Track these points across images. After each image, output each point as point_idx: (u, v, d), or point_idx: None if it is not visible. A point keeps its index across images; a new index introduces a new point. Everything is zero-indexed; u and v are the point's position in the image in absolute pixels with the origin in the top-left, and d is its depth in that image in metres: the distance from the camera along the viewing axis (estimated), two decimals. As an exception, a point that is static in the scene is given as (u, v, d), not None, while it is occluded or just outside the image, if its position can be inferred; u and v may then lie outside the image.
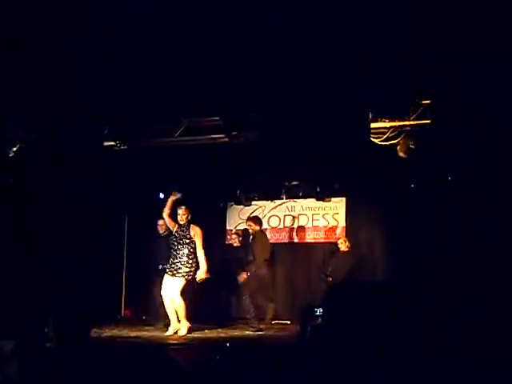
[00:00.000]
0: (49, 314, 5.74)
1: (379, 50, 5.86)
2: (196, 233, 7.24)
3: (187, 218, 7.28)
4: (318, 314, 7.20)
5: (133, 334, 7.12)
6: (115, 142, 7.70)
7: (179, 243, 7.19)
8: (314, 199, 9.56)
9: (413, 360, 4.73)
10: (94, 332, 6.50)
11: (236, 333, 7.42)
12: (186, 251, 7.14)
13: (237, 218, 9.96)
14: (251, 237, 8.41)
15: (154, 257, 8.36)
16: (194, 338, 6.89)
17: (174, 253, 7.19)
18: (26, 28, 5.54)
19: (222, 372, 4.70)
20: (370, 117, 6.86)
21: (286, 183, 9.52)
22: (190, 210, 7.37)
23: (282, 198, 9.81)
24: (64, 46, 5.71)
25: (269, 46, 5.76)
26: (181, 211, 7.29)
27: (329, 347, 5.59)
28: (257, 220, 8.41)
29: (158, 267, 7.95)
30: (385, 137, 7.05)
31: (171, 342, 6.58)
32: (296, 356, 5.26)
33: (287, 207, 9.85)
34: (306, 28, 5.52)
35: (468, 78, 6.06)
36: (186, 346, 6.34)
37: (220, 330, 7.64)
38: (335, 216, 9.54)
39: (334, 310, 7.33)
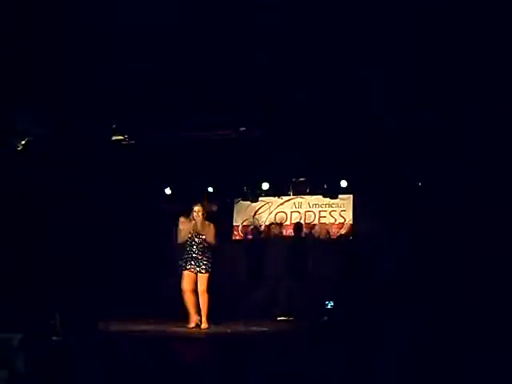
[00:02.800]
0: (55, 308, 5.77)
1: (381, 49, 5.85)
2: (207, 228, 7.20)
3: (203, 215, 7.21)
4: (329, 307, 7.21)
5: (139, 327, 7.14)
6: (123, 136, 7.72)
7: (194, 241, 7.20)
8: (321, 196, 9.55)
9: (415, 358, 4.74)
10: (101, 325, 6.52)
11: (242, 329, 7.43)
12: (200, 247, 7.17)
13: (244, 214, 9.96)
14: None
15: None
16: (200, 333, 6.91)
17: (191, 251, 7.21)
18: (33, 22, 5.55)
19: (227, 366, 4.72)
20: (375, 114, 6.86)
21: (294, 179, 9.52)
22: (206, 207, 7.34)
23: (289, 195, 9.80)
24: (73, 40, 5.72)
25: (276, 44, 5.76)
26: (196, 208, 7.21)
27: (335, 343, 5.61)
28: None
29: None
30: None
31: (177, 335, 6.61)
32: (303, 351, 5.27)
33: (294, 203, 9.83)
34: (310, 27, 5.51)
35: (470, 76, 6.04)
36: (191, 340, 6.36)
37: (226, 325, 7.65)
38: (342, 213, 9.52)
39: (340, 307, 7.36)
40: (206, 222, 7.22)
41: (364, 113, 6.73)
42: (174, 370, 4.58)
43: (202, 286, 7.14)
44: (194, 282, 7.22)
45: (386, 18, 5.25)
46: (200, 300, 7.18)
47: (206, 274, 7.15)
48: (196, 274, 7.17)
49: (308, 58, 5.87)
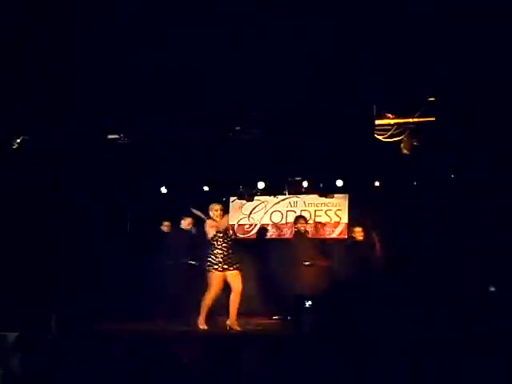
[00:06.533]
0: (52, 307, 5.77)
1: (383, 48, 5.86)
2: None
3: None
4: (307, 306, 7.19)
5: (134, 327, 7.14)
6: (119, 135, 7.70)
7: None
8: (316, 195, 9.55)
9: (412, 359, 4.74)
10: (96, 325, 6.52)
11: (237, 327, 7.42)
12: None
13: (239, 213, 9.96)
14: None
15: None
16: (195, 332, 6.91)
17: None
18: (29, 21, 5.55)
19: (222, 365, 4.73)
20: (374, 113, 6.87)
21: (289, 178, 9.51)
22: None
23: (285, 194, 9.80)
24: (68, 39, 5.71)
25: (272, 43, 5.76)
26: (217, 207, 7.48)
27: (326, 343, 5.62)
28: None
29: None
30: (389, 134, 7.06)
31: (172, 335, 6.61)
32: (294, 351, 5.28)
33: (290, 203, 9.83)
34: (309, 27, 5.52)
35: (471, 75, 6.06)
36: (186, 339, 6.36)
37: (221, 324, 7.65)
38: (338, 212, 9.52)
39: (332, 306, 7.35)
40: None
41: (360, 111, 6.73)
42: (169, 370, 4.58)
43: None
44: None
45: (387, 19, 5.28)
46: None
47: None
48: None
49: (303, 57, 5.87)
